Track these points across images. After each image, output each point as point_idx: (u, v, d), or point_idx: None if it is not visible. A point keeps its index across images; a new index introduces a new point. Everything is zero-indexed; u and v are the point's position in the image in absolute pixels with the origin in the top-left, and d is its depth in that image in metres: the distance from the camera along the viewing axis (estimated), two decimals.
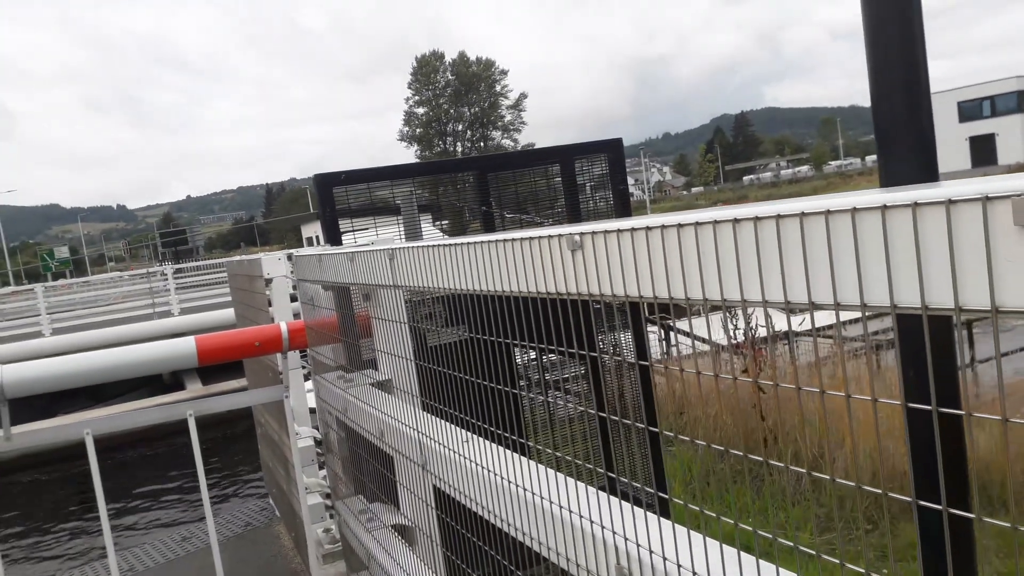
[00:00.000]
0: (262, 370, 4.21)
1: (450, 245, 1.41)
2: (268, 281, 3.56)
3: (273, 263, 3.46)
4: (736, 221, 0.80)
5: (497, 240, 1.17)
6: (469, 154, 78.35)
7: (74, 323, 21.29)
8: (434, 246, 1.58)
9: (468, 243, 1.29)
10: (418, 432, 1.92)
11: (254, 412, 4.93)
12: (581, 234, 0.97)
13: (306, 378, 3.73)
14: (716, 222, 0.81)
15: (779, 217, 0.75)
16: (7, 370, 2.49)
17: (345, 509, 2.72)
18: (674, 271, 0.89)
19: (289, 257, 3.88)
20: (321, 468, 3.64)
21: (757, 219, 0.76)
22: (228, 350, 2.85)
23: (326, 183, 2.86)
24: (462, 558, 1.85)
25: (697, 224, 0.85)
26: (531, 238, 1.07)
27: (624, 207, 3.36)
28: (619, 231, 0.91)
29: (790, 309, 0.81)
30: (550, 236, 1.03)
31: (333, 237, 2.79)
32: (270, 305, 3.57)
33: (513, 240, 1.11)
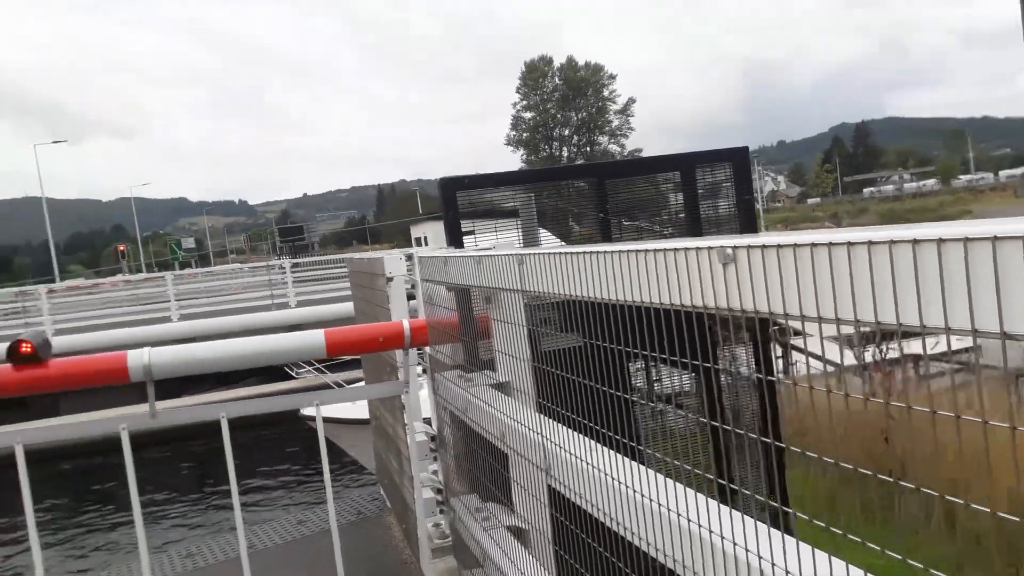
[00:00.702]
0: (380, 365, 4.37)
1: (585, 253, 1.44)
2: (389, 279, 3.70)
3: (395, 262, 3.59)
4: (892, 243, 0.80)
5: (639, 250, 1.18)
6: (575, 159, 78.25)
7: (199, 310, 22.63)
8: (565, 254, 1.62)
9: (608, 252, 1.31)
10: (539, 435, 1.97)
11: (368, 403, 5.12)
12: (735, 247, 0.97)
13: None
14: (892, 242, 0.80)
15: (915, 242, 0.74)
16: (155, 353, 2.70)
17: (460, 506, 2.80)
18: (823, 289, 0.89)
19: (409, 257, 4.02)
20: (433, 463, 3.75)
21: (940, 241, 0.75)
22: (354, 344, 2.99)
23: (449, 187, 2.96)
24: (576, 559, 1.88)
25: (850, 244, 0.85)
26: (677, 249, 1.08)
27: (749, 219, 3.30)
28: (779, 246, 0.90)
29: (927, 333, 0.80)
30: (698, 248, 1.03)
31: (455, 239, 2.88)
32: (389, 302, 3.71)
33: (657, 251, 1.13)
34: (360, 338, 3.01)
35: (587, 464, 1.70)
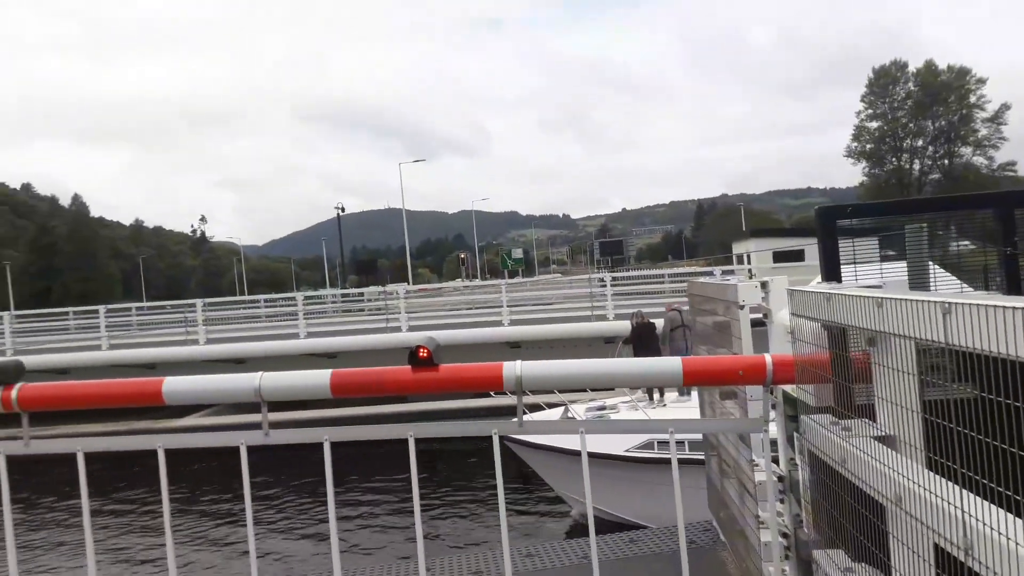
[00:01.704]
0: (723, 395, 4.24)
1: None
2: (741, 307, 3.57)
3: (749, 291, 3.45)
4: None
5: None
6: (928, 172, 69.89)
7: (525, 316, 24.23)
8: (1006, 307, 1.40)
9: None
10: (930, 492, 1.76)
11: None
12: None
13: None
14: None
15: None
16: (527, 366, 2.87)
17: (824, 559, 2.59)
18: None
19: (763, 285, 3.84)
20: (779, 504, 3.54)
21: None
22: (710, 375, 2.92)
23: (830, 215, 2.75)
24: None
25: None
26: None
27: None
28: None
29: None
30: None
31: (832, 272, 2.67)
32: (741, 332, 3.58)
33: None
34: (718, 369, 2.93)
35: (986, 526, 1.49)
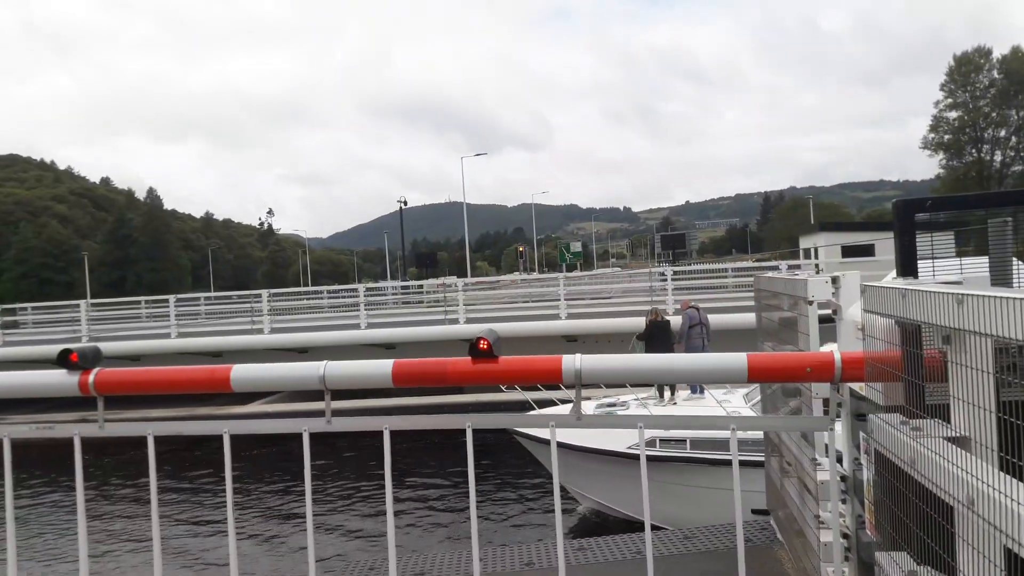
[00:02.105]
0: (785, 392, 4.15)
1: None
2: (809, 303, 3.47)
3: (820, 286, 3.35)
4: None
5: None
6: (1011, 164, 66.64)
7: (583, 310, 24.13)
8: None
9: None
10: (1004, 495, 1.69)
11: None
12: None
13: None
14: None
15: None
16: (586, 360, 2.85)
17: (888, 561, 2.51)
18: None
19: (834, 280, 3.74)
20: (841, 504, 3.44)
21: None
22: (777, 371, 2.86)
23: (908, 209, 2.65)
24: None
25: None
26: None
27: None
28: None
29: None
30: None
31: (908, 267, 2.57)
32: (808, 329, 3.48)
33: None
34: (785, 365, 2.86)
35: None
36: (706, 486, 9.70)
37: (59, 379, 3.06)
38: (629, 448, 10.13)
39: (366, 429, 3.04)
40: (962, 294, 1.79)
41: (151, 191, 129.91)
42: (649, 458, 10.62)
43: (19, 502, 15.05)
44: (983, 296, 1.71)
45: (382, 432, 2.95)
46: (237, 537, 3.29)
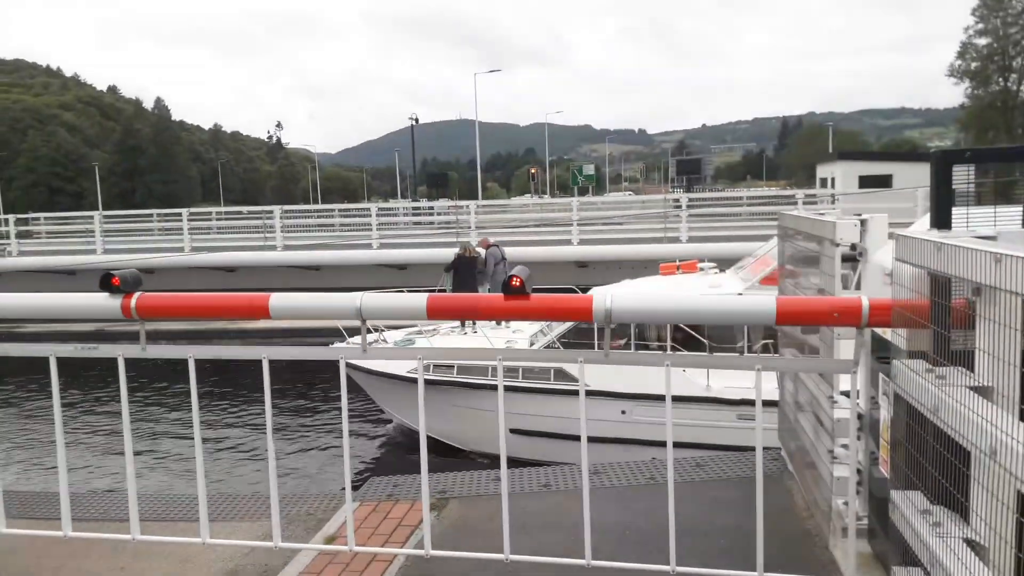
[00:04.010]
0: (804, 330, 4.22)
1: None
2: (836, 245, 3.50)
3: (849, 228, 3.38)
4: None
5: None
6: None
7: (594, 236, 24.07)
8: None
9: None
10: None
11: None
12: None
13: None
14: None
15: None
16: (617, 298, 2.90)
17: (901, 499, 2.62)
18: None
19: (862, 223, 3.75)
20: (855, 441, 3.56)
21: None
22: (805, 315, 2.91)
23: (946, 160, 2.64)
24: None
25: None
26: None
27: None
28: None
29: None
30: None
31: (943, 220, 2.58)
32: (834, 271, 3.52)
33: None
34: (812, 309, 2.91)
35: None
36: (474, 407, 10.99)
37: (102, 302, 3.15)
38: (408, 372, 11.38)
39: (402, 359, 3.13)
40: (1000, 253, 1.83)
41: (159, 101, 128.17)
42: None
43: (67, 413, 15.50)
44: (1021, 258, 1.74)
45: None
46: (276, 456, 3.45)
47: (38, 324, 22.04)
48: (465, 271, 14.41)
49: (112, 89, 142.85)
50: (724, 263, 14.32)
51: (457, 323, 12.97)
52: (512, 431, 10.44)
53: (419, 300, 2.96)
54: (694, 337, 10.55)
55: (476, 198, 50.11)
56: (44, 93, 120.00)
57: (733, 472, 5.03)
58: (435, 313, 2.97)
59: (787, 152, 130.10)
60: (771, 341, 9.95)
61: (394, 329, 13.17)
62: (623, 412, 10.27)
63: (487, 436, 10.67)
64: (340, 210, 30.01)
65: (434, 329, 12.90)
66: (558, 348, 11.08)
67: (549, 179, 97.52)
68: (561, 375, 10.75)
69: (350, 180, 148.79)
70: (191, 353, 3.21)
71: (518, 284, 2.86)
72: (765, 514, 3.30)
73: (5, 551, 4.13)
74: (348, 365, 3.16)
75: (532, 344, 11.59)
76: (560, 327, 11.29)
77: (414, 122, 60.04)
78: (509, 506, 3.07)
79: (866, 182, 27.24)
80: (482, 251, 15.00)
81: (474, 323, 12.70)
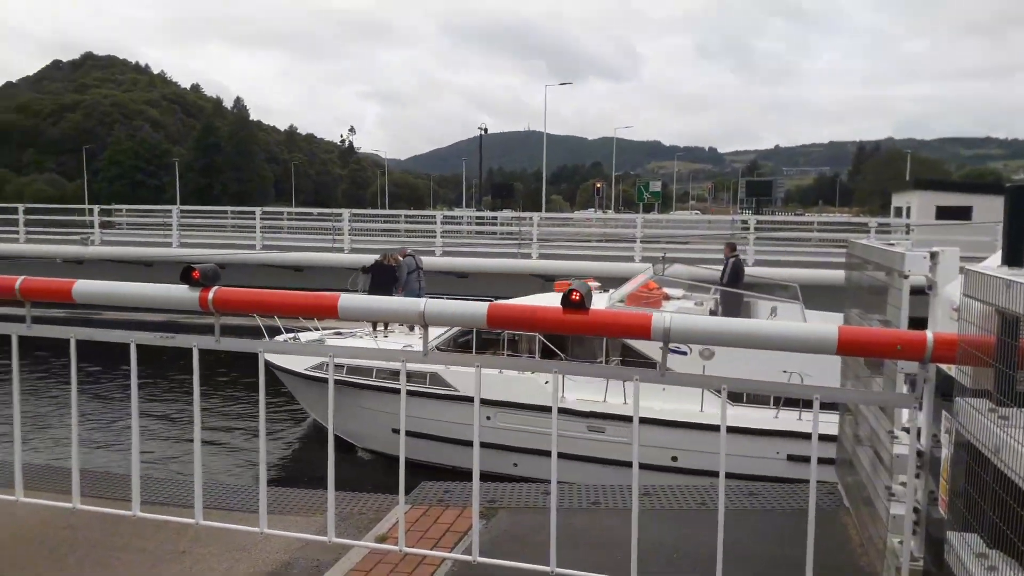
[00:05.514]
0: (868, 363, 4.15)
1: None
2: (905, 277, 3.45)
3: (917, 261, 3.32)
4: None
5: None
6: None
7: (657, 255, 23.84)
8: None
9: None
10: None
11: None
12: None
13: None
14: None
15: None
16: (676, 319, 2.92)
17: (959, 540, 2.57)
18: None
19: (932, 256, 3.68)
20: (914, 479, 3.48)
21: None
22: (867, 345, 2.88)
23: (1021, 193, 2.57)
24: None
25: None
26: None
27: None
28: None
29: None
30: None
31: (1015, 256, 2.51)
32: (900, 303, 3.47)
33: None
34: (876, 340, 2.87)
35: None
36: (370, 408, 11.29)
37: (182, 294, 3.32)
38: (307, 369, 11.86)
39: (464, 365, 3.20)
40: None
41: (238, 100, 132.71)
42: (318, 379, 11.64)
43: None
44: None
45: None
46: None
47: (114, 312, 22.94)
48: (383, 276, 15.18)
49: (195, 87, 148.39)
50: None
51: (369, 326, 13.34)
52: (395, 430, 10.58)
53: (479, 308, 3.03)
54: (549, 348, 10.63)
55: (540, 210, 50.26)
56: (132, 89, 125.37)
57: (786, 503, 4.95)
58: (494, 321, 3.04)
59: (862, 178, 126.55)
60: (627, 357, 10.17)
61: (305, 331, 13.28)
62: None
63: (380, 435, 11.38)
64: (406, 216, 30.55)
65: (336, 331, 13.20)
66: (450, 353, 11.21)
67: (614, 194, 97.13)
68: (436, 380, 10.78)
69: (417, 187, 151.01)
70: (261, 348, 3.35)
71: (577, 299, 2.91)
72: (817, 548, 3.27)
73: (77, 526, 4.36)
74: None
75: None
76: (445, 332, 11.10)
77: (483, 131, 60.64)
78: (558, 520, 3.11)
79: (944, 213, 26.29)
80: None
81: (386, 327, 13.19)
